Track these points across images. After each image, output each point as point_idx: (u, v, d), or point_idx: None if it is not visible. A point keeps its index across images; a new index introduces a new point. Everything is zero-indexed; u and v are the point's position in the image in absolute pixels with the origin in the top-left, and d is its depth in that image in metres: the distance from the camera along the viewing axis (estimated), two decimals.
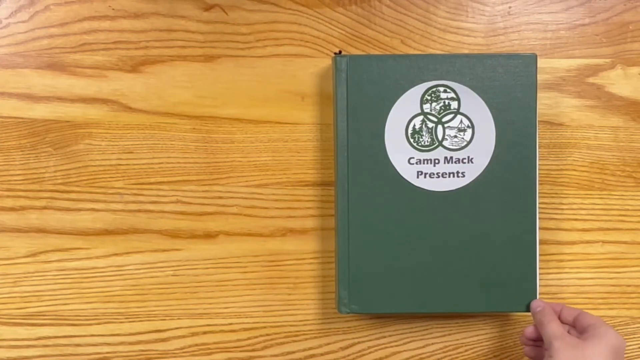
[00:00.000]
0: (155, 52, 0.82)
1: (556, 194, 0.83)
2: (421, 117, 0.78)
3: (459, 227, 0.78)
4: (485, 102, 0.78)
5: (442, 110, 0.78)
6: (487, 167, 0.78)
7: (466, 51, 0.83)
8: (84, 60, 0.82)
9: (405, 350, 0.84)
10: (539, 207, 0.79)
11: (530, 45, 0.83)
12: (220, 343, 0.84)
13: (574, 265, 0.84)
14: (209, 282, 0.83)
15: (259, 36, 0.83)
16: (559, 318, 0.76)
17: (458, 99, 0.78)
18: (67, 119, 0.83)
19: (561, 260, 0.84)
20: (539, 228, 0.79)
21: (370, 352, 0.84)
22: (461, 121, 0.78)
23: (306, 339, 0.84)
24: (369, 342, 0.84)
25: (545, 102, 0.83)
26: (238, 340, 0.84)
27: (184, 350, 0.83)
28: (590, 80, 0.83)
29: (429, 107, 0.78)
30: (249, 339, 0.84)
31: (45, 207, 0.83)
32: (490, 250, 0.78)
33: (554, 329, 0.73)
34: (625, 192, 0.84)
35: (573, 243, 0.84)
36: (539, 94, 0.79)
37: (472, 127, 0.78)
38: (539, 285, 0.79)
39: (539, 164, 0.79)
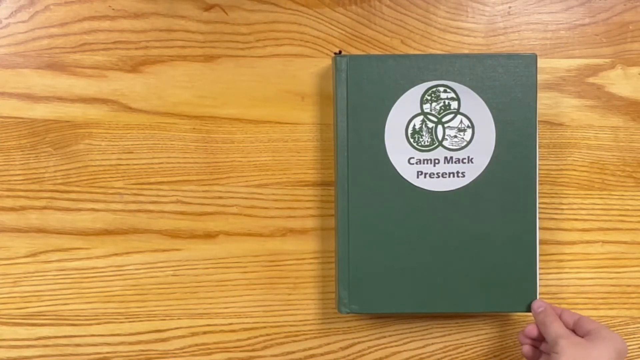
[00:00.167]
0: (155, 52, 0.82)
1: (556, 194, 0.83)
2: (421, 117, 0.78)
3: (459, 227, 0.78)
4: (485, 102, 0.78)
5: (442, 110, 0.78)
6: (487, 167, 0.78)
7: (466, 51, 0.83)
8: (84, 60, 0.82)
9: (405, 350, 0.84)
10: (539, 207, 0.79)
11: (530, 45, 0.83)
12: (220, 343, 0.84)
13: (574, 265, 0.84)
14: (209, 282, 0.83)
15: (259, 36, 0.83)
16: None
17: (458, 99, 0.78)
18: (67, 119, 0.83)
19: (561, 261, 0.84)
20: (539, 228, 0.79)
21: (370, 352, 0.84)
22: (461, 121, 0.78)
23: (306, 339, 0.84)
24: (369, 342, 0.84)
25: (545, 102, 0.83)
26: (238, 340, 0.84)
27: (184, 350, 0.83)
28: (590, 80, 0.83)
29: (429, 107, 0.78)
30: (249, 339, 0.84)
31: (45, 207, 0.83)
32: (490, 250, 0.78)
33: (558, 328, 0.73)
34: (625, 192, 0.84)
35: (573, 243, 0.84)
36: (539, 94, 0.79)
37: (472, 127, 0.78)
38: (539, 286, 0.79)
39: (539, 164, 0.79)
